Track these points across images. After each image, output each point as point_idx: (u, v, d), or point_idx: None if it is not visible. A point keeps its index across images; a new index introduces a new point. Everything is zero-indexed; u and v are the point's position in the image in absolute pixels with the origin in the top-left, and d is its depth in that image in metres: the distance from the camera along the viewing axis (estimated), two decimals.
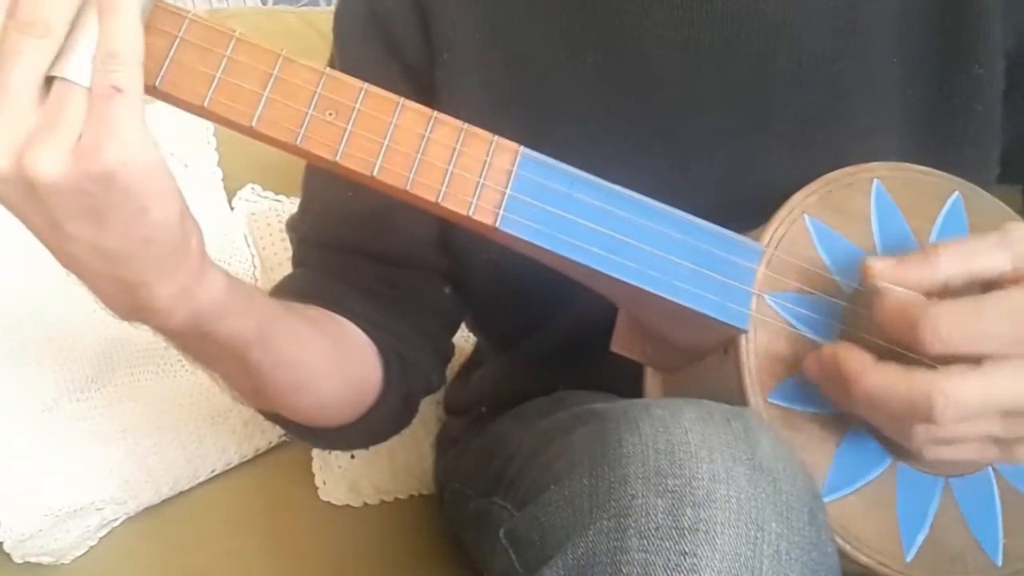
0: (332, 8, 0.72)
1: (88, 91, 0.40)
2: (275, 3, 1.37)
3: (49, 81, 0.40)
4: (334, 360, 0.61)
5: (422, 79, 0.65)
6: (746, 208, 0.57)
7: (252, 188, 1.01)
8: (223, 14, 1.09)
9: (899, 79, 0.64)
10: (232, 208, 1.00)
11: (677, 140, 0.64)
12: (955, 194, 0.59)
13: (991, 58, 0.64)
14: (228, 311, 0.49)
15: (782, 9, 0.62)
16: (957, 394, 0.45)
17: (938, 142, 0.65)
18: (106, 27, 0.40)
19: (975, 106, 0.65)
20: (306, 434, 0.67)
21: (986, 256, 0.49)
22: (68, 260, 0.43)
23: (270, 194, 1.02)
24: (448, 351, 0.73)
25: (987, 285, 0.49)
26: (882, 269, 0.50)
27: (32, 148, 0.39)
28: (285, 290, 0.66)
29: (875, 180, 0.58)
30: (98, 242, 0.41)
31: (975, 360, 0.46)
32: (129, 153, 0.39)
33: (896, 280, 0.49)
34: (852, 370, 0.48)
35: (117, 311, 0.47)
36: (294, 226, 0.72)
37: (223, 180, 1.00)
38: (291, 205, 1.01)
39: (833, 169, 0.58)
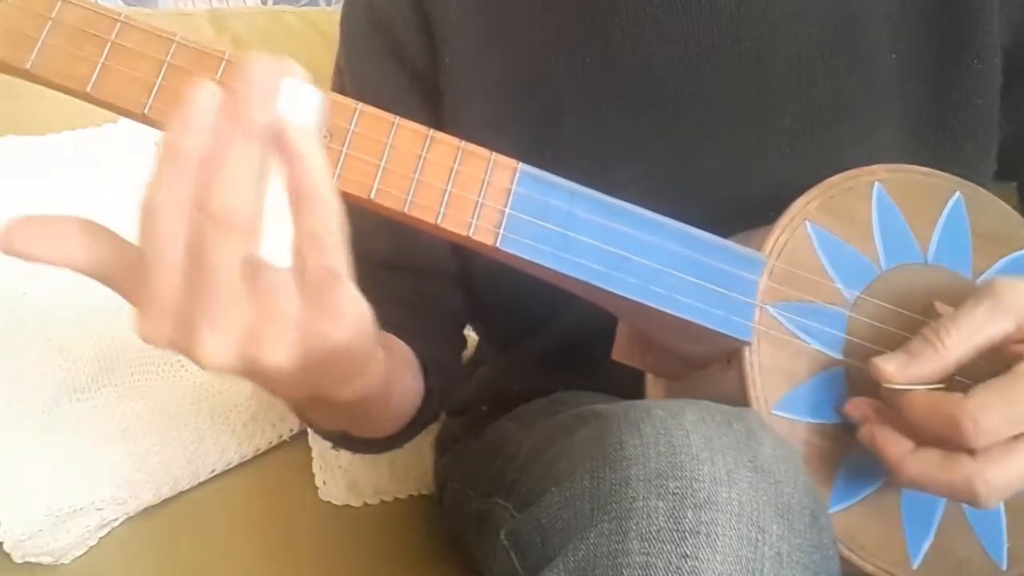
0: (332, 8, 0.72)
1: (297, 273, 0.38)
2: (275, 3, 1.37)
3: (248, 264, 0.37)
4: (411, 386, 0.65)
5: (430, 85, 0.66)
6: (748, 204, 0.57)
7: None
8: (223, 14, 1.08)
9: (898, 74, 0.64)
10: None
11: (677, 137, 0.64)
12: (956, 194, 0.59)
13: (989, 53, 0.64)
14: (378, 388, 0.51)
15: (780, 5, 0.62)
16: (998, 479, 0.46)
17: (938, 137, 0.65)
18: (308, 213, 0.37)
19: (974, 100, 0.65)
20: (358, 446, 0.69)
21: (989, 327, 0.49)
22: (273, 390, 0.45)
23: None
24: (464, 342, 0.77)
25: (995, 348, 0.49)
26: (895, 372, 0.50)
27: (259, 343, 0.37)
28: None
29: (875, 183, 0.58)
30: (310, 383, 0.42)
31: (1016, 438, 0.47)
32: (352, 329, 0.39)
33: (910, 380, 0.49)
34: (892, 458, 0.49)
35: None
36: None
37: None
38: None
39: (833, 164, 0.58)
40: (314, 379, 0.42)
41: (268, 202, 0.36)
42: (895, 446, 0.49)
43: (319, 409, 0.55)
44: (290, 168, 0.36)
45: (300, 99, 0.36)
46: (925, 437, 0.49)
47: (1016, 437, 0.46)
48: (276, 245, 0.37)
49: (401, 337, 0.66)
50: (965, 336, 0.49)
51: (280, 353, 0.37)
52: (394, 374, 0.56)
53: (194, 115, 0.35)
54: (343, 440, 0.67)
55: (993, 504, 0.47)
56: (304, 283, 0.38)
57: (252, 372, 0.38)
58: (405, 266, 0.68)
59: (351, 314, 0.39)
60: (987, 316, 0.49)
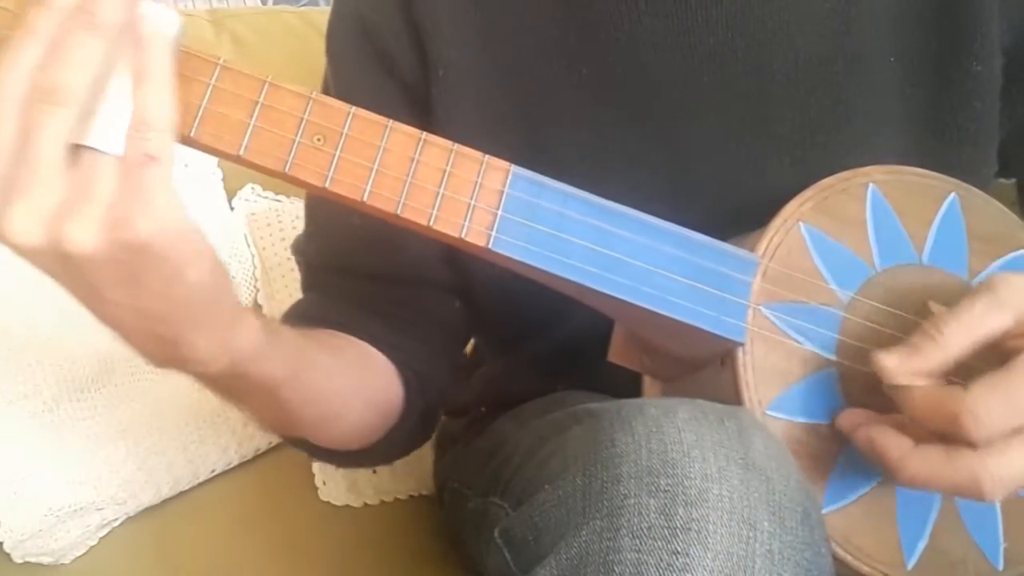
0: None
1: (118, 160, 0.39)
2: (275, 3, 1.37)
3: (76, 149, 0.39)
4: (360, 389, 0.62)
5: (418, 96, 0.65)
6: (747, 213, 0.57)
7: (252, 188, 1.02)
8: (223, 14, 1.09)
9: (897, 79, 0.64)
10: (232, 208, 1.00)
11: (676, 147, 0.63)
12: (951, 195, 0.59)
13: (989, 55, 0.64)
14: (261, 355, 0.49)
15: (778, 13, 0.62)
16: (1002, 472, 0.46)
17: (937, 141, 0.65)
18: (141, 95, 0.40)
19: (974, 103, 0.64)
20: (330, 457, 0.67)
21: (988, 320, 0.49)
22: (107, 320, 0.43)
23: (270, 194, 1.02)
24: (462, 360, 0.74)
25: (993, 344, 0.49)
26: (896, 366, 0.49)
27: (65, 221, 0.38)
28: (298, 317, 0.67)
29: (870, 184, 0.57)
30: (136, 304, 0.42)
31: (1017, 430, 0.46)
32: (161, 222, 0.39)
33: (911, 373, 0.49)
34: (893, 459, 0.49)
35: (154, 362, 0.47)
36: (301, 250, 0.72)
37: (223, 180, 1.00)
38: (291, 205, 1.01)
39: (833, 171, 0.58)
40: (137, 296, 0.41)
41: (111, 98, 0.39)
42: (894, 446, 0.49)
43: (239, 392, 0.53)
44: (136, 52, 0.40)
45: (160, 16, 0.40)
46: (923, 433, 0.48)
47: (1017, 429, 0.46)
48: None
49: (383, 350, 0.65)
50: (965, 329, 0.49)
51: (83, 232, 0.38)
52: (310, 362, 0.55)
53: (52, 4, 0.39)
54: (312, 450, 0.65)
55: (998, 498, 0.47)
56: (124, 168, 0.39)
57: (59, 255, 0.39)
58: (389, 278, 0.67)
59: (160, 200, 0.39)
60: (986, 309, 0.49)
